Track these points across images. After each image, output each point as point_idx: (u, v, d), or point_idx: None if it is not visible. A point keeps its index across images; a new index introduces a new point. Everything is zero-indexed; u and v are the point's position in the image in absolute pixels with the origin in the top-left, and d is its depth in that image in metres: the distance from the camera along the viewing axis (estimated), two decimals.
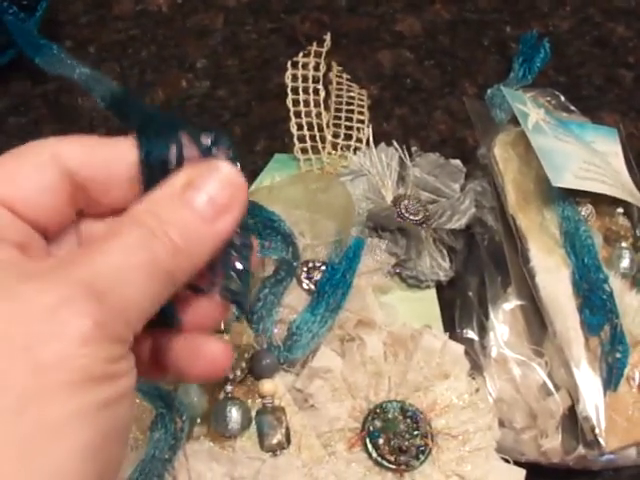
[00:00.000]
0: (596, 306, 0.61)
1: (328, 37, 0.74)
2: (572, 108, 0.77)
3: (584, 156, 0.68)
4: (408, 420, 0.57)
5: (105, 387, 0.29)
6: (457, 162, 0.72)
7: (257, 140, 0.75)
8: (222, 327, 0.57)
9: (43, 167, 0.33)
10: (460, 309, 0.65)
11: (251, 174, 0.71)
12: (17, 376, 0.27)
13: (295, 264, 0.60)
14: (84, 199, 0.35)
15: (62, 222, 0.35)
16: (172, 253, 0.32)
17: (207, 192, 0.33)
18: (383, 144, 0.72)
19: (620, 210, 0.68)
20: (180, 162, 0.34)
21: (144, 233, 0.31)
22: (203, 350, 0.37)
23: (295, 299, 0.60)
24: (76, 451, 0.28)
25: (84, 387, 0.28)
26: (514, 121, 0.70)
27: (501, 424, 0.59)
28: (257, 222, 0.58)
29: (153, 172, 0.35)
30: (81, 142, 0.35)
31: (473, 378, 0.60)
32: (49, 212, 0.34)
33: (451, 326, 0.64)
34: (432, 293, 0.67)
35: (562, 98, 0.77)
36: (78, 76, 0.53)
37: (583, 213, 0.67)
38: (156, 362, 0.36)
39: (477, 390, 0.59)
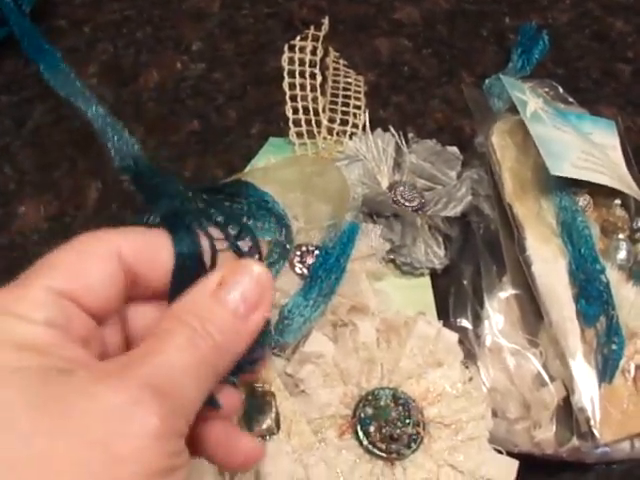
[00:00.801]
0: (592, 296, 0.61)
1: (326, 21, 0.73)
2: (570, 100, 0.76)
3: (582, 146, 0.68)
4: (400, 408, 0.56)
5: (169, 478, 0.32)
6: (454, 149, 0.72)
7: (252, 123, 0.74)
8: None
9: (105, 260, 0.36)
10: (454, 297, 0.64)
11: (246, 158, 0.70)
12: (96, 466, 0.30)
13: (288, 247, 0.60)
14: (134, 287, 0.38)
15: (115, 309, 0.38)
16: (214, 349, 0.35)
17: (240, 291, 0.36)
18: (380, 129, 0.71)
19: (617, 202, 0.68)
20: (214, 257, 0.39)
21: (190, 333, 0.34)
22: (239, 445, 0.40)
23: (287, 283, 0.60)
24: None
25: (153, 478, 0.31)
26: (512, 110, 0.70)
27: (494, 414, 0.59)
28: (251, 203, 0.58)
29: (185, 267, 0.38)
30: (134, 235, 0.38)
31: (467, 367, 0.59)
32: (108, 302, 0.36)
33: (445, 315, 0.63)
34: (426, 281, 0.66)
35: (560, 90, 0.77)
36: (93, 116, 0.53)
37: (580, 204, 0.66)
38: (192, 445, 0.38)
39: (470, 379, 0.58)
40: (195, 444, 0.38)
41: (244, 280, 0.37)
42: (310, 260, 0.61)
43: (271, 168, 0.65)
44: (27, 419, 0.29)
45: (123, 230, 0.38)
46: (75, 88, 0.67)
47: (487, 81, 0.75)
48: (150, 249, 0.38)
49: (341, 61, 0.76)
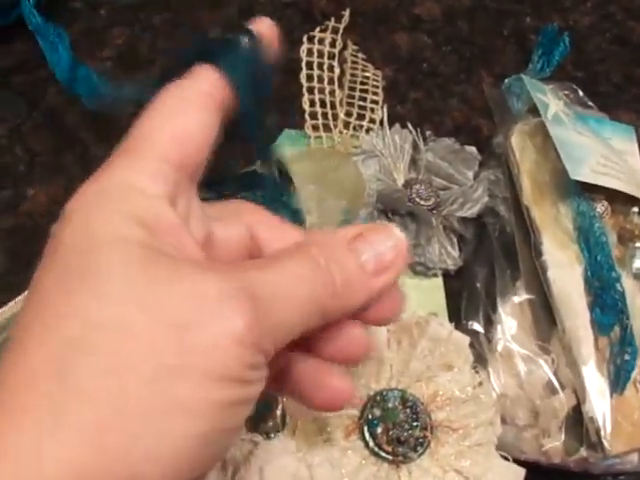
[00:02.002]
0: (607, 305, 0.60)
1: (347, 13, 0.72)
2: (590, 104, 0.76)
3: (602, 151, 0.67)
4: (408, 410, 0.55)
5: (237, 390, 0.30)
6: (472, 149, 0.71)
7: (267, 115, 0.73)
8: None
9: (203, 111, 0.36)
10: (467, 300, 0.64)
11: None
12: (163, 349, 0.29)
13: None
14: None
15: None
16: (330, 294, 0.34)
17: (375, 249, 0.35)
18: (398, 125, 0.71)
19: (635, 209, 0.67)
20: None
21: (313, 267, 0.33)
22: (327, 382, 0.38)
23: None
24: (193, 436, 0.29)
25: (220, 382, 0.29)
26: (532, 111, 0.69)
27: (503, 420, 0.58)
28: (267, 195, 0.57)
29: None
30: None
31: (477, 371, 0.58)
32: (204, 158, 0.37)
33: (456, 317, 0.63)
34: (439, 282, 0.66)
35: (580, 93, 0.76)
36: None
37: (598, 210, 0.66)
38: (278, 378, 0.37)
39: (480, 384, 0.58)
40: (279, 376, 0.37)
41: (381, 239, 0.36)
42: None
43: (285, 161, 0.64)
44: (118, 286, 0.29)
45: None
46: None
47: (506, 81, 0.75)
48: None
49: (359, 55, 0.75)
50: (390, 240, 0.36)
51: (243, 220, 0.38)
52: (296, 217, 0.59)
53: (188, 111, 0.35)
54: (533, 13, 0.85)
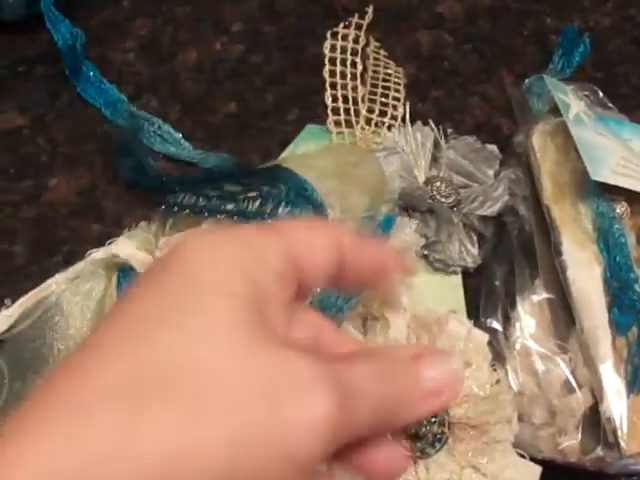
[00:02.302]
0: (625, 306, 0.60)
1: (370, 10, 0.72)
2: (610, 105, 0.76)
3: (622, 153, 0.67)
4: None
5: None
6: (493, 147, 0.71)
7: (290, 109, 0.73)
8: None
9: (329, 246, 0.35)
10: (485, 298, 0.64)
11: (282, 143, 0.70)
12: (252, 412, 0.28)
13: None
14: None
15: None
16: (389, 405, 0.33)
17: (434, 372, 0.35)
18: (419, 123, 0.71)
19: None
20: None
21: (386, 370, 0.34)
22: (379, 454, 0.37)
23: None
24: None
25: (297, 469, 0.29)
26: (553, 112, 0.69)
27: (520, 418, 0.58)
28: (289, 189, 0.58)
29: None
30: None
31: (495, 369, 0.59)
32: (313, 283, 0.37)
33: (474, 315, 0.63)
34: (458, 279, 0.66)
35: (600, 94, 0.76)
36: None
37: (618, 211, 0.65)
38: None
39: (498, 381, 0.58)
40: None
41: (440, 364, 0.36)
42: None
43: (308, 156, 0.64)
44: (218, 335, 0.29)
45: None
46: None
47: (527, 81, 0.75)
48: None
49: (382, 51, 0.76)
50: (447, 367, 0.36)
51: (308, 323, 0.38)
52: (319, 211, 0.59)
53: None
54: (553, 13, 0.85)
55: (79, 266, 0.58)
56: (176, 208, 0.58)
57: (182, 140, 0.69)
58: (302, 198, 0.58)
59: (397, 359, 0.35)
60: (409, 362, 0.35)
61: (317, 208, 0.59)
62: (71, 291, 0.57)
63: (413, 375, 0.35)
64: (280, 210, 0.57)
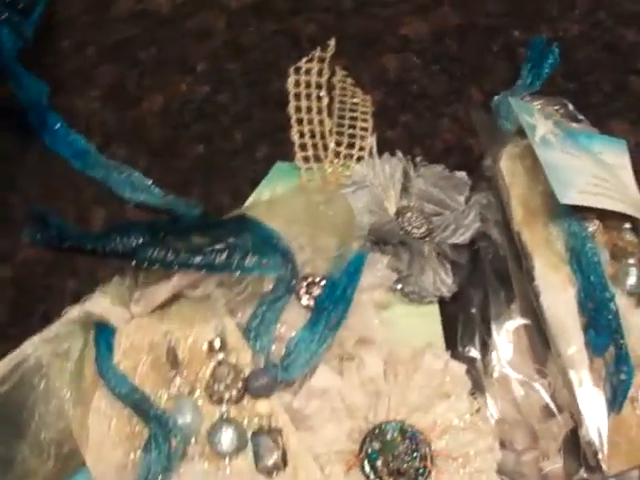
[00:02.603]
0: (601, 326, 0.60)
1: (332, 42, 0.72)
2: (580, 117, 0.75)
3: (592, 170, 0.67)
4: (407, 441, 0.56)
5: None
6: (462, 174, 0.71)
7: (258, 147, 0.73)
8: (218, 345, 0.57)
9: None
10: (462, 325, 0.64)
11: (252, 183, 0.70)
12: None
13: (293, 282, 0.60)
14: None
15: None
16: None
17: None
18: (387, 154, 0.71)
19: (628, 225, 0.67)
20: None
21: None
22: None
23: (294, 315, 0.60)
24: None
25: None
26: (521, 132, 0.69)
27: (502, 445, 0.59)
28: (255, 239, 0.58)
29: None
30: None
31: (475, 398, 0.59)
32: None
33: (452, 342, 0.63)
34: (434, 308, 0.66)
35: (570, 107, 0.76)
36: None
37: (590, 229, 0.65)
38: None
39: (478, 410, 0.58)
40: None
41: None
42: (317, 291, 0.61)
43: (276, 200, 0.64)
44: None
45: None
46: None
47: (495, 99, 0.74)
48: None
49: (348, 80, 0.76)
50: None
51: None
52: (287, 258, 0.59)
53: None
54: (521, 26, 0.84)
55: (56, 326, 0.58)
56: (146, 263, 0.58)
57: (152, 187, 0.69)
58: (269, 247, 0.58)
59: None
60: None
61: (285, 255, 0.59)
62: (49, 352, 0.57)
63: None
64: (247, 261, 0.57)
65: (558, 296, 0.62)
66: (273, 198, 0.65)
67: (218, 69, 0.78)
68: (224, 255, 0.57)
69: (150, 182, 0.70)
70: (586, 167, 0.67)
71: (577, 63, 0.83)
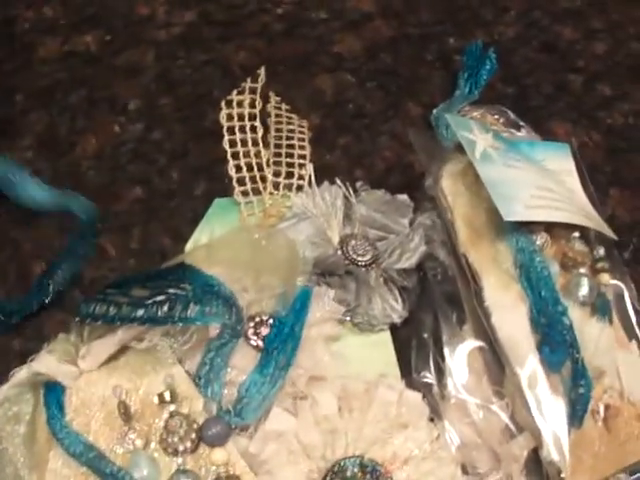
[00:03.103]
0: (556, 342, 0.60)
1: (262, 71, 0.71)
2: (521, 124, 0.75)
3: (536, 181, 0.67)
4: (368, 476, 0.56)
5: None
6: (404, 197, 0.70)
7: (196, 183, 0.72)
8: (168, 397, 0.56)
9: None
10: (416, 350, 0.64)
11: (192, 221, 0.69)
12: None
13: (239, 328, 0.59)
14: None
15: None
16: None
17: None
18: (326, 183, 0.70)
19: (576, 234, 0.67)
20: None
21: None
22: None
23: (243, 358, 0.59)
24: None
25: None
26: (461, 147, 0.67)
27: (464, 470, 0.59)
28: (195, 288, 0.57)
29: None
30: None
31: (434, 424, 0.59)
32: None
33: (407, 369, 0.63)
34: (386, 336, 0.65)
35: (511, 114, 0.75)
36: None
37: (538, 242, 0.65)
38: None
39: (437, 437, 0.58)
40: None
41: None
42: (265, 331, 0.60)
43: (216, 243, 0.63)
44: None
45: None
46: None
47: (434, 112, 0.74)
48: None
49: (283, 106, 0.75)
50: None
51: None
52: (229, 302, 0.58)
53: None
54: (456, 32, 0.84)
55: (3, 390, 0.57)
56: (89, 319, 0.57)
57: (44, 185, 0.69)
58: (210, 295, 0.58)
59: None
60: None
61: (227, 300, 0.58)
62: None
63: None
64: (189, 311, 0.56)
65: (510, 315, 0.62)
66: (213, 240, 0.65)
67: (150, 105, 0.77)
68: (165, 307, 0.56)
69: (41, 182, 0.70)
70: (529, 179, 0.67)
71: (515, 66, 0.83)
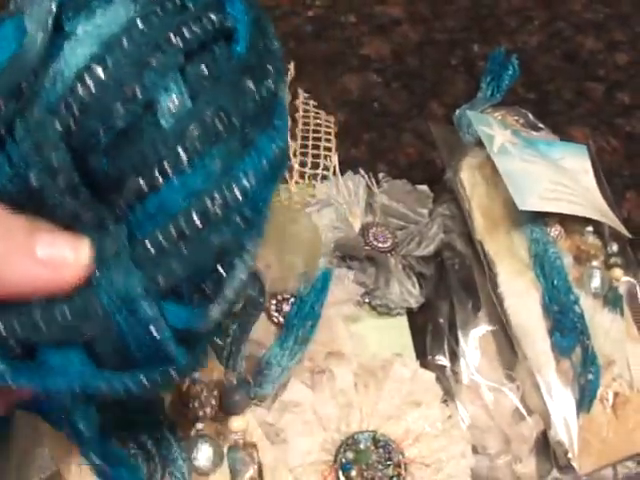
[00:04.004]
0: (567, 328, 0.61)
1: (292, 66, 0.74)
2: (540, 126, 0.77)
3: (551, 176, 0.68)
4: (380, 450, 0.57)
5: None
6: (424, 188, 0.72)
7: None
8: None
9: None
10: (431, 335, 0.65)
11: None
12: None
13: (262, 300, 0.60)
14: None
15: None
16: None
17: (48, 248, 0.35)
18: (350, 172, 0.72)
19: (590, 229, 0.68)
20: None
21: None
22: None
23: (264, 333, 0.61)
24: None
25: None
26: (481, 143, 0.70)
27: (475, 450, 0.60)
28: None
29: None
30: None
31: (446, 405, 0.60)
32: None
33: (422, 352, 0.64)
34: (403, 320, 0.67)
35: (530, 116, 0.77)
36: None
37: (552, 234, 0.67)
38: None
39: (449, 417, 0.59)
40: None
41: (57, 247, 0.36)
42: (286, 308, 0.62)
43: None
44: None
45: None
46: None
47: (457, 112, 0.76)
48: None
49: (311, 102, 0.77)
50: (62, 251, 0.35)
51: None
52: (254, 278, 0.60)
53: None
54: (481, 39, 0.86)
55: None
56: None
57: None
58: None
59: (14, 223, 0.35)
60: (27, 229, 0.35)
61: (252, 275, 0.60)
62: None
63: (27, 241, 0.35)
64: None
65: (523, 301, 0.63)
66: None
67: None
68: None
69: None
70: (545, 173, 0.68)
71: (537, 73, 0.85)
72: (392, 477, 0.56)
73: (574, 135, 0.80)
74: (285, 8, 0.87)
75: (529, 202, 0.65)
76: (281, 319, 0.62)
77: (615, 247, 0.68)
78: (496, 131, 0.70)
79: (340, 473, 0.56)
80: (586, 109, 0.83)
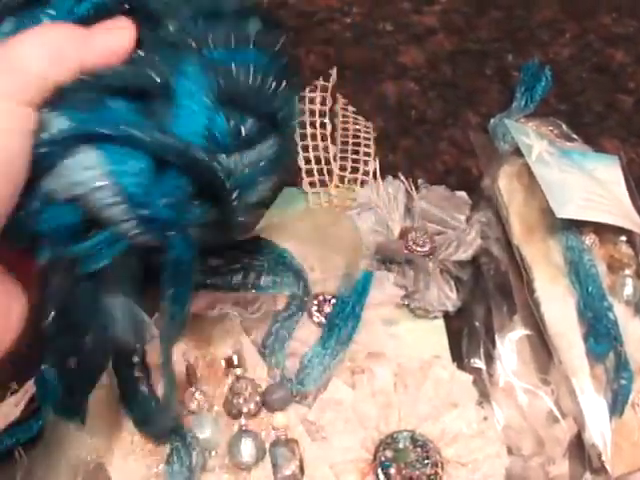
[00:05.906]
0: (601, 334, 0.62)
1: (334, 72, 0.75)
2: (574, 136, 0.78)
3: (587, 186, 0.70)
4: (418, 449, 0.57)
5: None
6: (462, 194, 0.73)
7: None
8: (236, 361, 0.58)
9: None
10: (467, 338, 0.66)
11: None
12: None
13: (306, 299, 0.62)
14: None
15: None
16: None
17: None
18: (390, 177, 0.73)
19: (623, 238, 0.70)
20: None
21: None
22: None
23: (306, 332, 0.62)
24: None
25: None
26: (518, 152, 0.71)
27: (509, 451, 0.60)
28: (269, 259, 0.60)
29: None
30: None
31: (482, 407, 0.61)
32: None
33: (459, 355, 0.65)
34: (440, 323, 0.68)
35: (564, 127, 0.78)
36: None
37: (587, 242, 0.68)
38: None
39: (485, 419, 0.60)
40: None
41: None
42: (327, 309, 0.63)
43: (286, 223, 0.66)
44: None
45: None
46: None
47: (492, 121, 0.77)
48: None
49: (349, 108, 0.78)
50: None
51: None
52: (299, 276, 0.61)
53: None
54: (514, 50, 0.87)
55: None
56: None
57: None
58: (282, 266, 0.60)
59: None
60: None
61: (297, 273, 0.61)
62: None
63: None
64: (262, 280, 0.59)
65: (558, 307, 0.65)
66: (283, 221, 0.67)
67: None
68: (240, 275, 0.59)
69: None
70: (581, 183, 0.70)
71: (569, 85, 0.86)
72: (430, 476, 0.56)
73: (605, 146, 0.80)
74: (322, 14, 0.88)
75: (566, 210, 0.66)
76: (322, 319, 0.63)
77: None
78: (534, 141, 0.71)
79: (379, 471, 0.57)
80: (616, 121, 0.84)
